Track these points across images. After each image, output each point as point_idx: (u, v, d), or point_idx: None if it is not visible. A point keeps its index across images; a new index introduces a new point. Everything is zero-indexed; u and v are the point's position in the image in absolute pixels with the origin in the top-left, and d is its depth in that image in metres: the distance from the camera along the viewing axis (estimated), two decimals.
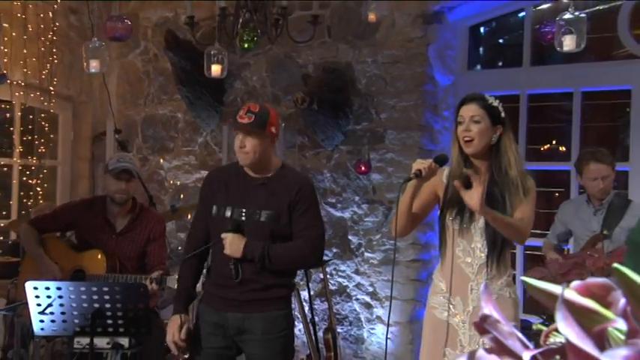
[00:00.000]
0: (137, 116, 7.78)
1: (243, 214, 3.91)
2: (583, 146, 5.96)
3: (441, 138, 6.46)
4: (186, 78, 7.13)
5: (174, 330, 3.91)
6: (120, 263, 4.88)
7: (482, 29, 6.77)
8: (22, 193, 6.97)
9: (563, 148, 7.01)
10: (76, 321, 3.98)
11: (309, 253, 3.96)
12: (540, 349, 0.94)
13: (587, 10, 4.77)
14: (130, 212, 5.04)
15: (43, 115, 7.08)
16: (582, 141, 6.09)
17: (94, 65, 5.45)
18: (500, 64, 6.95)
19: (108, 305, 3.93)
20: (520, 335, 0.95)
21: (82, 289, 3.93)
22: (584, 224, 5.14)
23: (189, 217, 6.98)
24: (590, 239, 5.06)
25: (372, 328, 6.50)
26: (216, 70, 5.03)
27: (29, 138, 6.95)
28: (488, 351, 0.94)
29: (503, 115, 3.74)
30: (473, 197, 3.45)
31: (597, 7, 5.92)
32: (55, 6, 6.94)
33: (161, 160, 7.66)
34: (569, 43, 4.39)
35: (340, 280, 6.58)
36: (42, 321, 3.98)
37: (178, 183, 7.56)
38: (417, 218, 3.92)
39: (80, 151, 7.72)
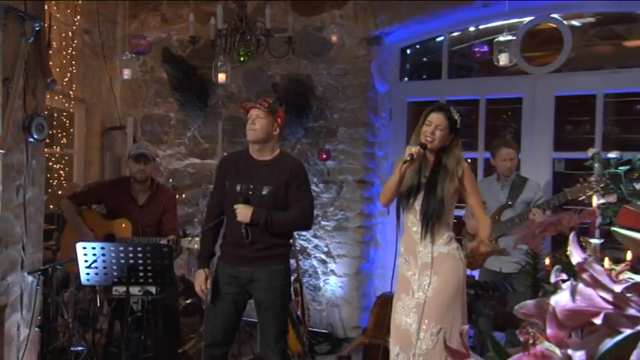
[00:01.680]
0: (137, 115, 7.56)
1: (251, 188, 3.86)
2: (487, 140, 6.03)
3: (380, 133, 6.46)
4: (179, 85, 7.01)
5: (202, 281, 3.89)
6: (142, 229, 4.77)
7: (409, 50, 6.78)
8: (48, 176, 6.70)
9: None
10: (115, 273, 3.88)
11: (302, 218, 3.95)
12: (630, 283, 0.94)
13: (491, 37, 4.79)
14: (149, 189, 4.93)
15: (64, 113, 6.84)
16: (486, 136, 6.16)
17: (126, 73, 5.27)
18: (424, 77, 6.97)
19: (140, 261, 3.85)
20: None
21: (121, 248, 3.83)
22: (493, 197, 5.20)
23: (184, 195, 6.86)
24: (498, 208, 5.15)
25: (327, 279, 6.48)
26: (221, 77, 4.92)
27: (53, 132, 6.71)
28: (586, 284, 0.93)
29: (458, 126, 3.76)
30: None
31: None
32: (74, 27, 6.71)
33: (157, 150, 7.47)
34: (504, 59, 4.42)
35: (302, 242, 6.53)
36: (88, 273, 3.87)
37: (171, 168, 7.40)
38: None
39: (92, 143, 7.48)
